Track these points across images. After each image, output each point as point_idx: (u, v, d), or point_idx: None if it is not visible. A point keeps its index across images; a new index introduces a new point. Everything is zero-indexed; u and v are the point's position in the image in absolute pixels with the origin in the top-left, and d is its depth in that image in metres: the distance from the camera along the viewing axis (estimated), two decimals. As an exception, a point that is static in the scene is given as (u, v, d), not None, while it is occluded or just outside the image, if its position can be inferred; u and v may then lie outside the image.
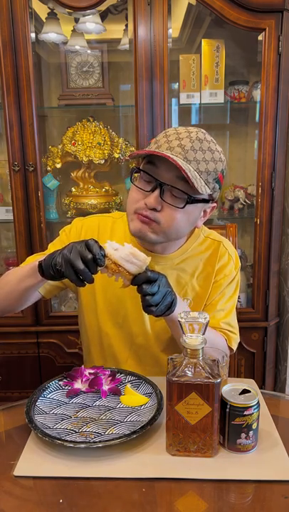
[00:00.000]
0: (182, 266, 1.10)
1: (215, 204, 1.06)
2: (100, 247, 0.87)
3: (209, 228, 1.20)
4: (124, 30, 2.00)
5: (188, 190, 0.95)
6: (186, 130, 0.98)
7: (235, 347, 1.14)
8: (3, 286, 1.09)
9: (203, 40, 1.88)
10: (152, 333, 1.12)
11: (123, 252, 0.88)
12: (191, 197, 0.96)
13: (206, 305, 1.13)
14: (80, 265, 0.85)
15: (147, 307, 0.90)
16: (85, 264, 0.85)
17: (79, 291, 1.17)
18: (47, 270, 0.92)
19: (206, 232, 1.16)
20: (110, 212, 1.98)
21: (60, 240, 1.16)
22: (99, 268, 0.87)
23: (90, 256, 0.85)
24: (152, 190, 0.96)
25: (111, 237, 1.11)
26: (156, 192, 0.95)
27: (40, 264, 0.95)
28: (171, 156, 0.92)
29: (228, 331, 1.12)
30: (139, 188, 0.99)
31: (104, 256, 0.87)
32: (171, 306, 0.93)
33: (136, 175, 1.01)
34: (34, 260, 1.08)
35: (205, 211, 1.05)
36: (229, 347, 1.12)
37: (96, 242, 0.88)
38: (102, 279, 0.96)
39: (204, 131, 1.00)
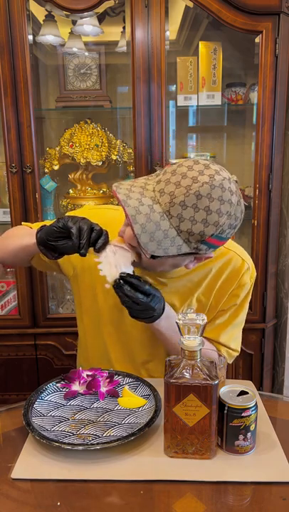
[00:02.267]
0: (190, 277, 1.04)
1: (210, 255, 0.91)
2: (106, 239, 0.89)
3: None
4: (121, 32, 2.01)
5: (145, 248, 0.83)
6: (200, 172, 0.82)
7: (229, 361, 1.11)
8: (8, 238, 1.10)
9: (200, 42, 1.89)
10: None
11: (120, 254, 0.89)
12: (152, 255, 0.83)
13: (216, 311, 1.08)
14: (84, 226, 0.87)
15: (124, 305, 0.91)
16: (87, 233, 0.87)
17: (79, 294, 1.15)
18: (46, 230, 0.91)
19: None
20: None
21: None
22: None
23: (94, 233, 0.87)
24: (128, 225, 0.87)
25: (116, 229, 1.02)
26: (130, 230, 0.85)
27: (41, 226, 0.95)
28: (134, 217, 0.80)
29: (225, 345, 1.08)
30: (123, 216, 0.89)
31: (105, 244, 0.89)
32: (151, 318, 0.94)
33: None
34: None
35: (197, 258, 0.93)
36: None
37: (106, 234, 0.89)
38: (103, 282, 0.95)
39: (223, 182, 0.82)
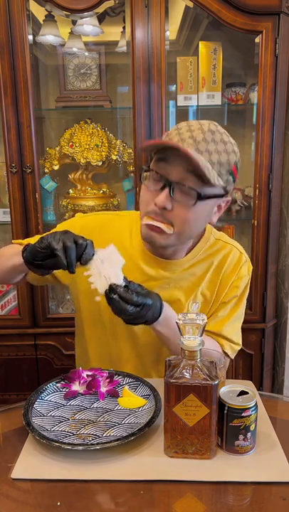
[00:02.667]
0: (192, 270, 1.07)
1: (229, 198, 1.00)
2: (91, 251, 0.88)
3: None
4: (121, 32, 2.01)
5: (199, 185, 0.91)
6: (198, 122, 0.95)
7: (232, 355, 1.11)
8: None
9: (200, 42, 1.89)
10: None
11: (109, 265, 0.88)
12: (200, 194, 0.91)
13: (218, 304, 1.10)
14: (68, 243, 0.85)
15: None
16: (72, 250, 0.85)
17: (79, 296, 1.14)
18: (30, 251, 0.91)
19: (216, 234, 1.12)
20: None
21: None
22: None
23: (78, 248, 0.86)
24: (162, 189, 0.92)
25: (116, 236, 1.07)
26: (166, 190, 0.91)
27: (25, 246, 0.94)
28: (183, 148, 0.88)
29: (227, 339, 1.09)
30: (150, 187, 0.95)
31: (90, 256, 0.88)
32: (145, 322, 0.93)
33: (146, 174, 0.97)
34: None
35: (219, 206, 1.00)
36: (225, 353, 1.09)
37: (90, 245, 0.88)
38: None
39: (216, 124, 0.96)
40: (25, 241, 1.09)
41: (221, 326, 1.08)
